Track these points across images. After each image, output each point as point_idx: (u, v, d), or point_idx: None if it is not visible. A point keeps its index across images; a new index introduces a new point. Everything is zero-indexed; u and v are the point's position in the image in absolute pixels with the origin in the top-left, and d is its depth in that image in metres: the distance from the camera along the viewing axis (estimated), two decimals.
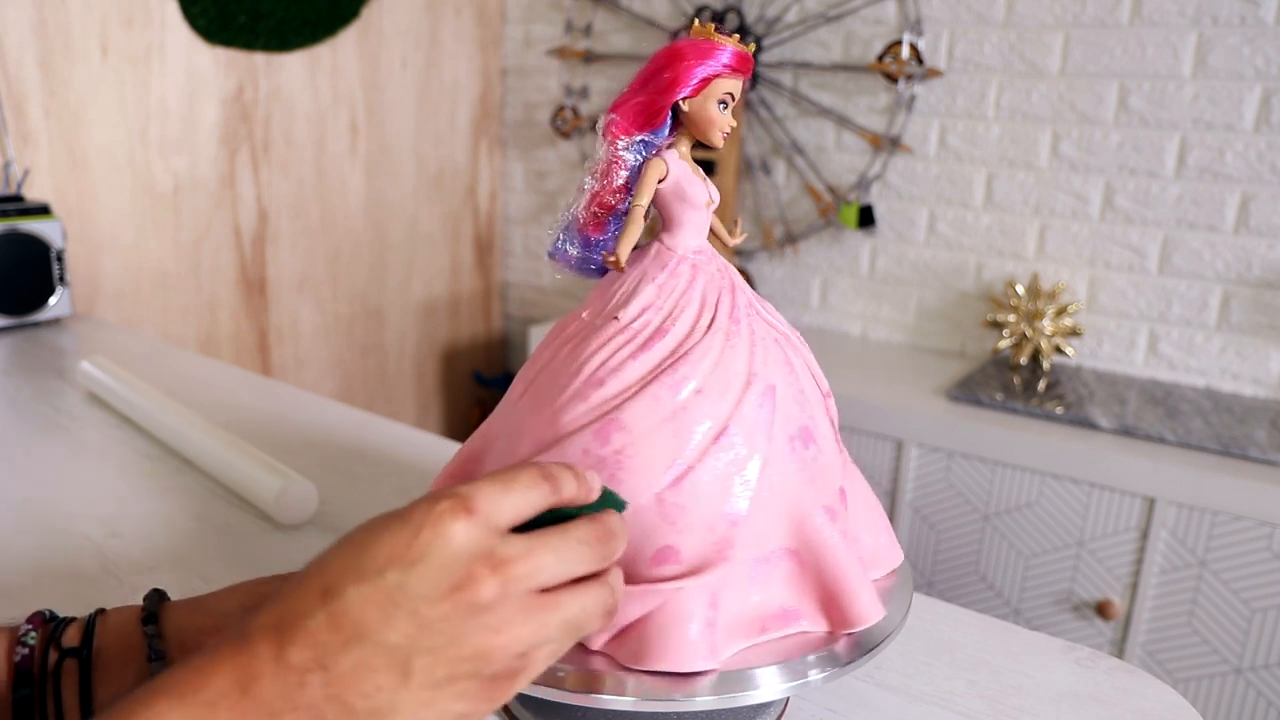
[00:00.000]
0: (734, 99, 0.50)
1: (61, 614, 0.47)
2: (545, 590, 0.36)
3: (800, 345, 0.53)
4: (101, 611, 0.47)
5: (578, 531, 0.37)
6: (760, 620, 0.48)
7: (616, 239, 0.51)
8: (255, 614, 0.35)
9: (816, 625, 0.49)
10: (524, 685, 0.37)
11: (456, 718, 0.35)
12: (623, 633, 0.46)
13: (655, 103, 0.49)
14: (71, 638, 0.45)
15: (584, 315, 0.52)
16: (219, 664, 0.33)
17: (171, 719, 0.32)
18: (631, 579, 0.46)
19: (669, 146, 0.51)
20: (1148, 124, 1.50)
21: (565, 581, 0.37)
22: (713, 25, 0.50)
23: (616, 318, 0.50)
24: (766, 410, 0.48)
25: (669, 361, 0.48)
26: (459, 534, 0.34)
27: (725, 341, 0.49)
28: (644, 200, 0.50)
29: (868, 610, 0.49)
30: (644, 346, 0.48)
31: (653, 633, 0.45)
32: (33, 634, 0.44)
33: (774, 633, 0.49)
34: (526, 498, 0.37)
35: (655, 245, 0.52)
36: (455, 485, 0.36)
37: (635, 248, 0.52)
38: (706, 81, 0.49)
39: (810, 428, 0.51)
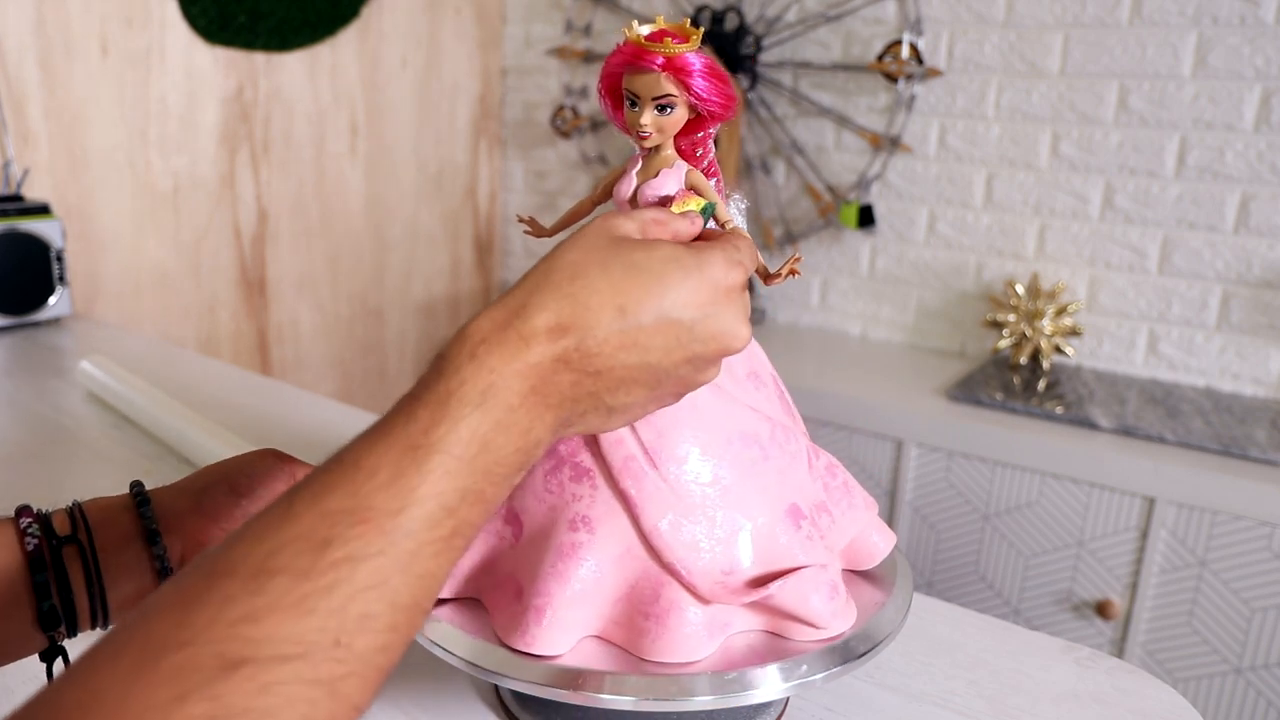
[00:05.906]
0: (643, 96, 0.45)
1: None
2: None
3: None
4: (78, 503, 0.49)
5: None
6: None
7: None
8: (529, 312, 0.37)
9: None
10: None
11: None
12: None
13: (612, 117, 0.49)
14: (62, 527, 0.47)
15: None
16: (506, 365, 0.36)
17: (480, 426, 0.35)
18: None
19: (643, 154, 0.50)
20: (1148, 124, 1.50)
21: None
22: (687, 21, 0.46)
23: None
24: None
25: None
26: (739, 304, 0.41)
27: None
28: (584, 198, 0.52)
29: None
30: None
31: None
32: (34, 525, 0.46)
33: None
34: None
35: None
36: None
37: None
38: (611, 87, 0.47)
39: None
